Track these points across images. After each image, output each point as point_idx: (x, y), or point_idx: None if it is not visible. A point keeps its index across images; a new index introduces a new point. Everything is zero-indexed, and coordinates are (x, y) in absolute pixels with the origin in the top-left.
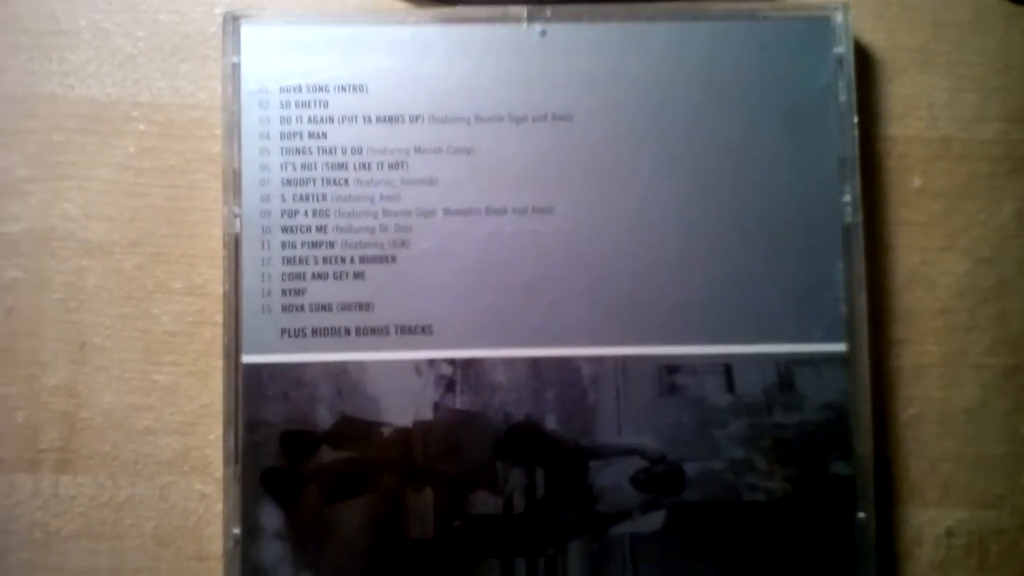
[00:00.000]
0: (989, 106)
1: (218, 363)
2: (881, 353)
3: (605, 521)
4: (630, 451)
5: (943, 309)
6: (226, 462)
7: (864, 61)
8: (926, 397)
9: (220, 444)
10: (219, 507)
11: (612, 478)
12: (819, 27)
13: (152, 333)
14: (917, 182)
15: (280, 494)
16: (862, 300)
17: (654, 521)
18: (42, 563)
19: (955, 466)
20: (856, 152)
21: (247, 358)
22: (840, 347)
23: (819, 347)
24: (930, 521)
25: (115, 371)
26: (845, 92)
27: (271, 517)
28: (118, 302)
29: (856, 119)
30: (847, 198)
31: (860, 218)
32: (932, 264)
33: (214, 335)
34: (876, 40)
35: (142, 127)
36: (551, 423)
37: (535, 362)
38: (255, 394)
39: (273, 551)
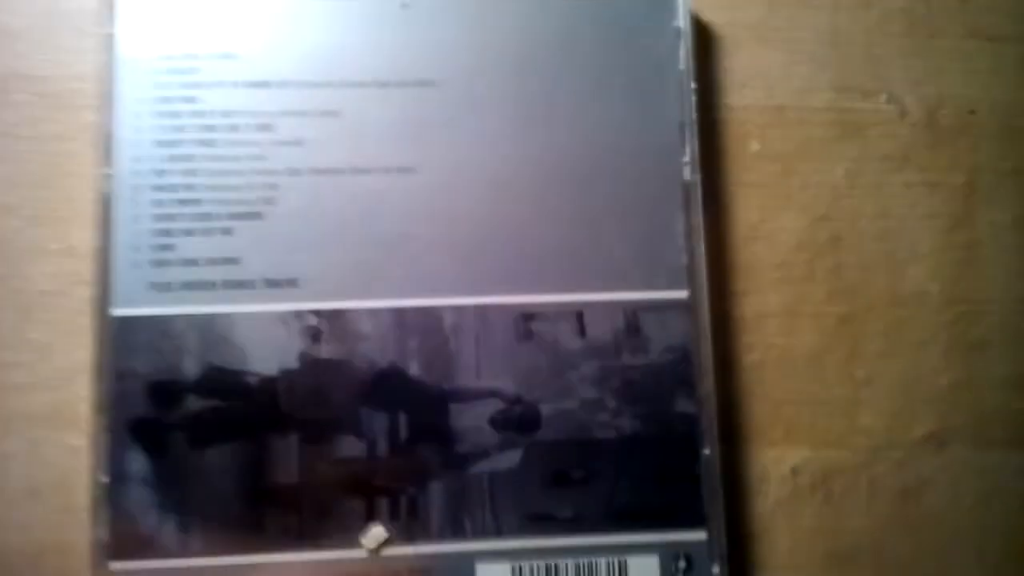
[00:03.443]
0: (820, 77)
1: (90, 321)
2: (724, 302)
3: (465, 460)
4: (489, 394)
5: (781, 263)
6: (95, 412)
7: (705, 36)
8: (768, 344)
9: (91, 399)
10: (88, 461)
11: (472, 420)
12: (660, 2)
13: (27, 293)
14: (755, 146)
15: (147, 442)
16: (701, 251)
17: (511, 459)
18: None
19: (797, 408)
20: (694, 116)
21: (117, 311)
22: (682, 294)
23: (663, 294)
24: (775, 460)
25: None
26: (684, 62)
27: (138, 465)
28: None
29: (694, 86)
30: (686, 158)
31: (698, 177)
32: (770, 221)
33: (87, 293)
34: (716, 17)
35: (22, 98)
36: (414, 369)
37: (399, 312)
38: (124, 346)
39: (140, 497)
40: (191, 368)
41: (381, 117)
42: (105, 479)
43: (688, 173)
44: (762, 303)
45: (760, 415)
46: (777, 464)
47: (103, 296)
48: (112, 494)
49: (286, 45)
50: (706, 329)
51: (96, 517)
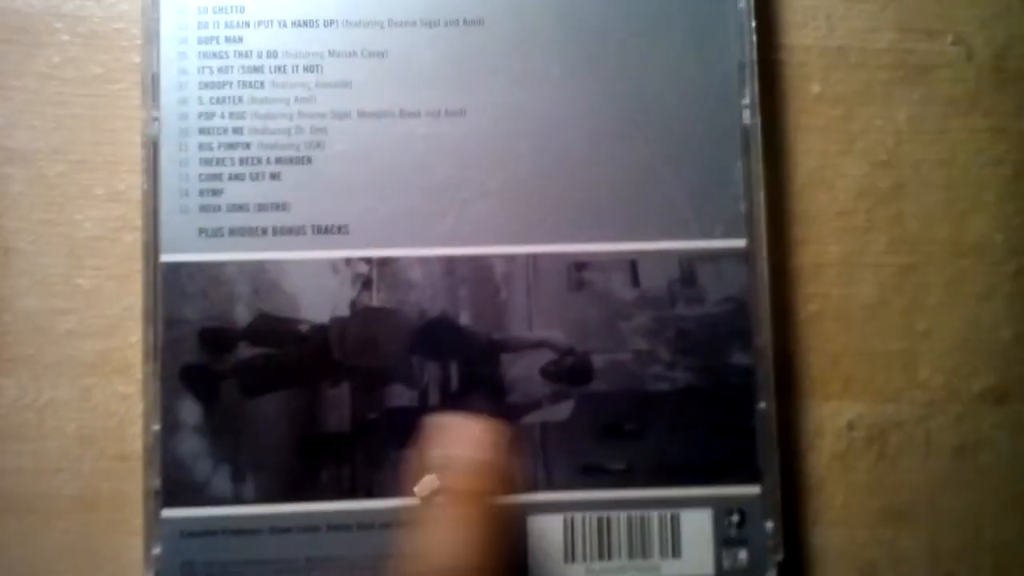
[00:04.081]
0: (883, 17)
1: (139, 267)
2: (782, 252)
3: (516, 411)
4: (540, 344)
5: (841, 211)
6: (145, 359)
7: None
8: (826, 295)
9: (142, 346)
10: (140, 408)
11: (523, 370)
12: None
13: (75, 238)
14: (816, 89)
15: (199, 389)
16: (760, 199)
17: (563, 410)
18: None
19: (855, 361)
20: (754, 57)
21: (166, 257)
22: (740, 243)
23: (719, 243)
24: (832, 414)
25: (38, 275)
26: (743, 0)
27: (190, 412)
28: (41, 208)
29: (754, 25)
30: (746, 101)
31: (758, 120)
32: (830, 167)
33: (135, 240)
34: None
35: (65, 38)
36: (465, 319)
37: (449, 260)
38: (174, 292)
39: (192, 445)
40: (242, 315)
41: (429, 57)
42: (157, 427)
43: (748, 116)
44: (821, 252)
45: (817, 368)
46: (833, 418)
47: (152, 242)
48: (164, 442)
49: None
50: (764, 279)
51: (148, 464)
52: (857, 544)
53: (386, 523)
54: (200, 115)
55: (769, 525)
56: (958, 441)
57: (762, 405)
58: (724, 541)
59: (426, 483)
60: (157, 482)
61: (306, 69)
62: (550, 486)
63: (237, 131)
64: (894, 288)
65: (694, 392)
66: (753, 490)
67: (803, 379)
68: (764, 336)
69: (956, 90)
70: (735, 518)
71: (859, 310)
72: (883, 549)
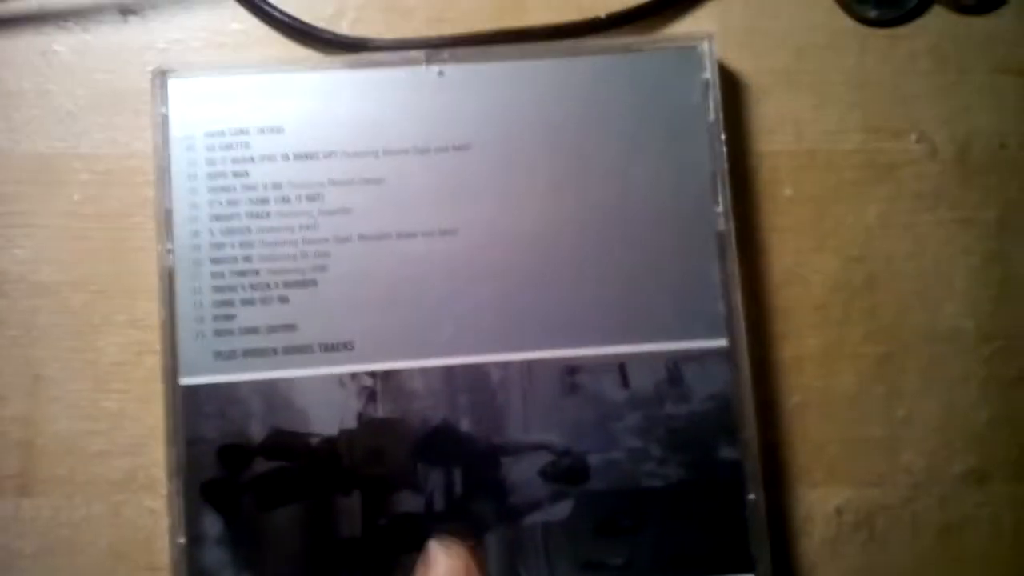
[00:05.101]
0: (850, 119)
1: (159, 388)
2: (763, 347)
3: (518, 512)
4: (538, 447)
5: (818, 305)
6: (169, 477)
7: (733, 85)
8: (807, 386)
9: (165, 464)
10: (167, 522)
11: (523, 472)
12: (687, 56)
13: (99, 364)
14: (788, 191)
15: (220, 504)
16: (738, 299)
17: (563, 510)
18: None
19: (839, 448)
20: (725, 166)
21: (184, 380)
22: (721, 342)
23: (702, 343)
24: (819, 500)
25: (67, 400)
26: (713, 112)
27: (212, 525)
28: (67, 337)
29: (724, 136)
30: (719, 208)
31: (732, 226)
32: (805, 264)
33: (155, 362)
34: (743, 66)
35: (84, 176)
36: (465, 425)
37: (448, 370)
38: (193, 413)
39: (216, 556)
40: (257, 431)
41: (422, 182)
42: (182, 540)
43: (722, 223)
44: (800, 346)
45: (803, 457)
46: (821, 504)
47: (171, 366)
48: (190, 554)
49: (329, 117)
50: (746, 376)
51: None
52: None
53: None
54: (212, 245)
55: None
56: (943, 521)
57: (752, 496)
58: None
59: None
60: None
61: (308, 198)
62: None
63: (247, 259)
64: (873, 377)
65: (686, 487)
66: None
67: (790, 468)
68: (749, 430)
69: (922, 185)
70: None
71: (840, 399)
72: None
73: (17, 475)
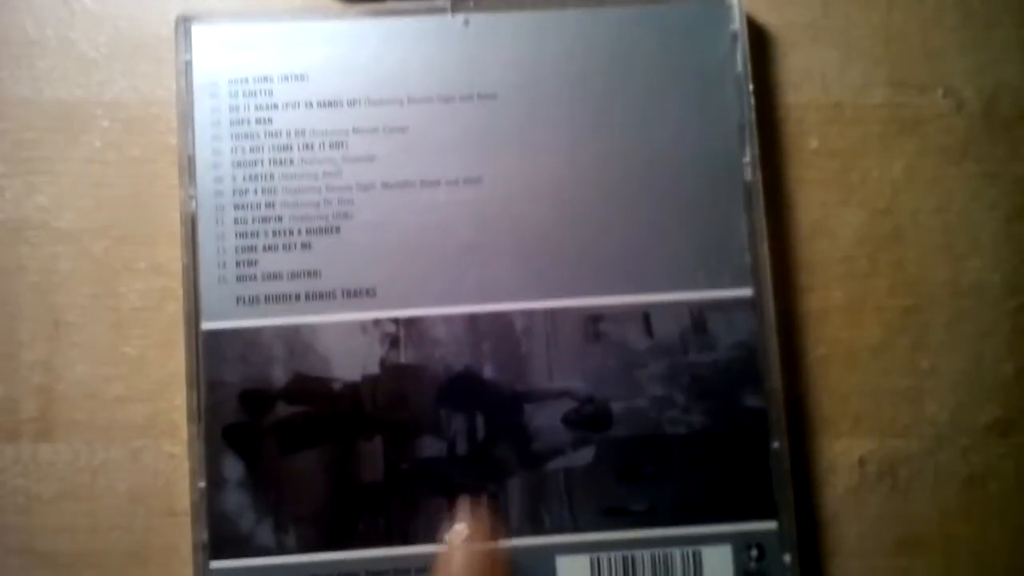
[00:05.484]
0: (876, 73)
1: (181, 334)
2: (789, 299)
3: (541, 458)
4: (561, 394)
5: (844, 257)
6: (190, 421)
7: (760, 37)
8: (833, 338)
9: (186, 408)
10: (187, 466)
11: (546, 419)
12: (715, 7)
13: (120, 310)
14: (814, 144)
15: (241, 448)
16: (764, 249)
17: (585, 456)
18: (25, 525)
19: (864, 400)
20: (753, 118)
21: (206, 325)
22: (747, 292)
23: (728, 292)
24: (843, 451)
25: (87, 346)
26: (741, 64)
27: (233, 469)
28: (88, 283)
29: (752, 88)
30: (747, 159)
31: (759, 176)
32: (832, 217)
33: (177, 309)
34: (770, 18)
35: (106, 124)
36: (488, 372)
37: (472, 317)
38: (215, 358)
39: (237, 500)
40: (279, 376)
41: (446, 131)
42: (203, 484)
43: (749, 173)
44: (826, 298)
45: (827, 408)
46: (845, 455)
47: (193, 312)
48: (210, 498)
49: (353, 65)
50: (771, 326)
51: (196, 520)
52: (874, 574)
53: (421, 568)
54: (234, 192)
55: (787, 558)
56: (966, 472)
57: (776, 444)
58: (745, 574)
59: (457, 531)
60: (205, 536)
61: (332, 146)
62: (576, 528)
63: (269, 205)
64: (898, 329)
65: (710, 434)
66: (771, 525)
67: (814, 419)
68: (774, 379)
69: (949, 140)
70: (754, 553)
71: (865, 351)
72: None
73: (37, 419)
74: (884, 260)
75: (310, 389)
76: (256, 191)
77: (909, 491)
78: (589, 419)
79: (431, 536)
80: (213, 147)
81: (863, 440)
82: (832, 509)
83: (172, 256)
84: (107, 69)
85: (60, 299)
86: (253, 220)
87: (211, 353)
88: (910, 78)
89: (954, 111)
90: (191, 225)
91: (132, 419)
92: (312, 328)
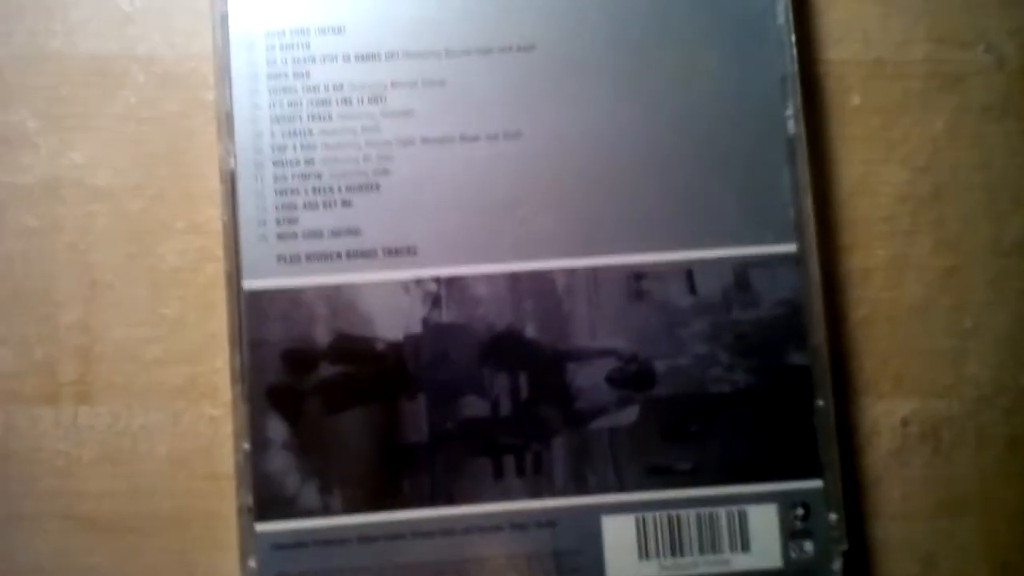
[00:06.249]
0: (917, 29)
1: (220, 295)
2: (830, 258)
3: (585, 417)
4: (604, 353)
5: (886, 216)
6: (233, 381)
7: None
8: (874, 298)
9: (226, 371)
10: (227, 429)
11: (589, 378)
12: None
13: (158, 270)
14: (856, 100)
15: (284, 408)
16: (808, 204)
17: (629, 415)
18: (65, 488)
19: (906, 360)
20: (795, 69)
21: (248, 284)
22: (791, 247)
23: (771, 248)
24: (886, 412)
25: (125, 307)
26: (782, 15)
27: (277, 430)
28: (125, 243)
29: (794, 39)
30: (789, 112)
31: (802, 129)
32: (873, 175)
33: (216, 269)
34: None
35: (141, 79)
36: (530, 331)
37: (513, 276)
38: (257, 317)
39: (281, 462)
40: (322, 336)
41: (485, 84)
42: (247, 445)
43: (792, 126)
44: (868, 257)
45: (869, 368)
46: (887, 416)
47: (234, 271)
48: (254, 460)
49: (391, 16)
50: (816, 281)
51: (241, 482)
52: (917, 536)
53: (467, 528)
54: (273, 148)
55: (833, 517)
56: (1009, 434)
57: (820, 402)
58: (790, 534)
59: None
60: (249, 498)
61: (371, 100)
62: (621, 487)
63: (309, 162)
64: (940, 288)
65: (754, 392)
66: (816, 484)
67: (856, 379)
68: (818, 336)
69: (990, 97)
70: (800, 511)
71: (907, 311)
72: (942, 540)
73: (75, 382)
74: (925, 219)
75: (353, 349)
76: (295, 147)
77: (952, 453)
78: (633, 378)
79: (476, 496)
80: (251, 102)
81: (905, 401)
82: (875, 471)
83: (210, 215)
84: (142, 23)
85: (96, 259)
86: (292, 177)
87: (253, 313)
88: (951, 34)
89: (996, 67)
90: (231, 182)
91: (172, 381)
92: (354, 287)
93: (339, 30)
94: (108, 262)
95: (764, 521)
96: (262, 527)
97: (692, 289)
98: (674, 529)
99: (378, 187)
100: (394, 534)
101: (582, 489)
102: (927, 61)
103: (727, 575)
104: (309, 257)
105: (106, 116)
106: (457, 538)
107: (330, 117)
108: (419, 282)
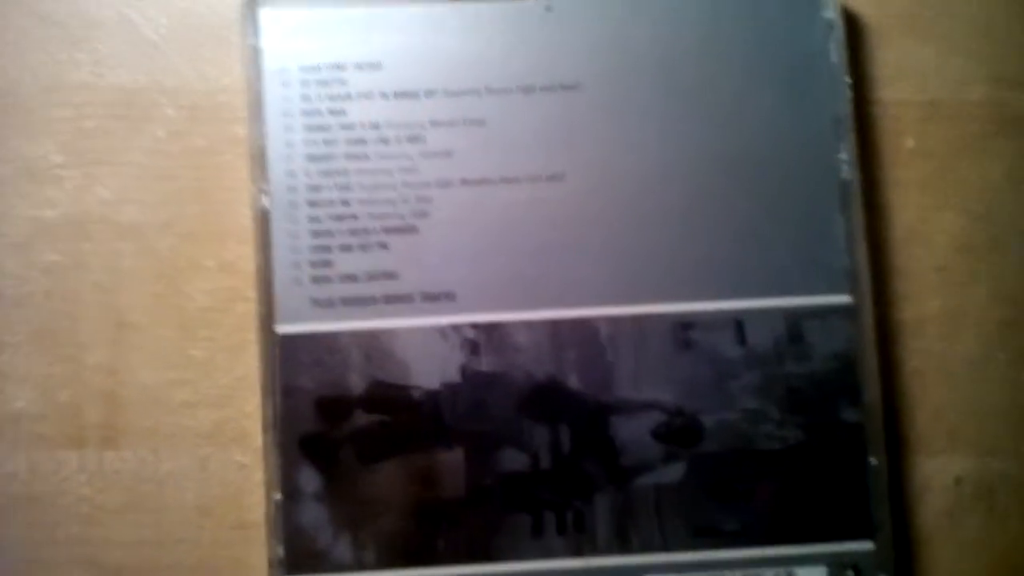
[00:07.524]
0: (975, 70)
1: (251, 336)
2: (884, 307)
3: (629, 473)
4: (649, 406)
5: (940, 265)
6: (265, 429)
7: (854, 27)
8: (928, 350)
9: (256, 415)
10: (257, 476)
11: (633, 432)
12: None
13: (186, 310)
14: (910, 143)
15: (317, 458)
16: (863, 252)
17: (675, 472)
18: (89, 536)
19: (960, 416)
20: (849, 110)
21: (281, 328)
22: (845, 298)
23: (825, 299)
24: (939, 469)
25: (152, 348)
26: (836, 54)
27: (310, 481)
28: (152, 282)
29: (848, 80)
30: (843, 155)
31: (857, 174)
32: (928, 222)
33: (246, 310)
34: (865, 8)
35: (170, 112)
36: (573, 381)
37: (554, 323)
38: (290, 362)
39: (313, 513)
40: (357, 383)
41: (527, 123)
42: (278, 496)
43: (846, 171)
44: (921, 307)
45: (922, 423)
46: (940, 474)
47: (267, 314)
48: (286, 510)
49: (430, 52)
50: (870, 336)
51: (271, 533)
52: None
53: None
54: (308, 187)
55: None
56: None
57: (873, 461)
58: None
59: None
60: (280, 550)
61: (409, 140)
62: (665, 547)
63: (344, 203)
64: (996, 342)
65: (805, 450)
66: (867, 545)
67: (909, 434)
68: (873, 391)
69: None
70: (850, 573)
71: (962, 365)
72: None
73: (101, 426)
74: (983, 269)
75: (389, 397)
76: (330, 187)
77: (1007, 514)
78: (679, 433)
79: (514, 554)
80: (285, 139)
81: (960, 458)
82: (926, 531)
83: (240, 254)
84: (170, 54)
85: (123, 299)
86: (327, 218)
87: (286, 358)
88: (1011, 74)
89: None
90: (264, 222)
91: (200, 426)
92: (390, 333)
93: (376, 66)
94: (135, 301)
95: None
96: None
97: (742, 340)
98: None
99: (416, 230)
100: None
101: (625, 548)
102: (985, 103)
103: None
104: (345, 301)
105: (133, 150)
106: None
107: (367, 156)
108: (457, 328)
